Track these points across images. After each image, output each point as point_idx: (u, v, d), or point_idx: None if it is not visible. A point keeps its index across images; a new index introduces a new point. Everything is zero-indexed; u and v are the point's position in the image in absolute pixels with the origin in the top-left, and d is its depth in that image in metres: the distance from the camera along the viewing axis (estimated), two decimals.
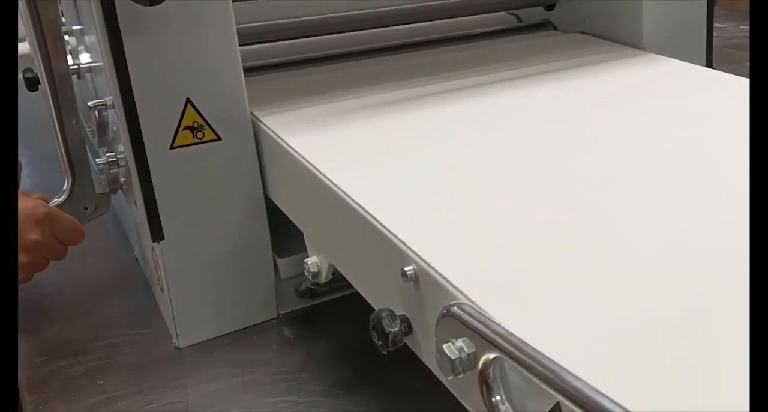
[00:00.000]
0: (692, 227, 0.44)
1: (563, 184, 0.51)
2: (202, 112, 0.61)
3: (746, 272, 0.38)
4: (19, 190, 0.70)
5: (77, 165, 0.68)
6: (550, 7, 0.91)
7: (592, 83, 0.71)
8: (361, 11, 0.78)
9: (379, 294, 0.49)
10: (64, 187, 0.70)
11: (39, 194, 0.70)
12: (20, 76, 0.72)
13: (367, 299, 0.50)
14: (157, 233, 0.62)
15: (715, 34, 1.67)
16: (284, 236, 0.67)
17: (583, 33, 0.87)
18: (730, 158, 0.53)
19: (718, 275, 0.39)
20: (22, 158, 1.16)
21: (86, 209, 0.70)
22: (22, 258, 0.64)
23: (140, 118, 0.58)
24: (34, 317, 0.73)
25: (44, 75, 0.66)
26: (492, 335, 0.34)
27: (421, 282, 0.42)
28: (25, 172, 1.10)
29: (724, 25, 1.63)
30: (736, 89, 0.67)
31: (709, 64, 0.84)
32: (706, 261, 0.41)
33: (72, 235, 0.68)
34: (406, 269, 0.42)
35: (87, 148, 0.70)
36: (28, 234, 0.64)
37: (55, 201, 0.69)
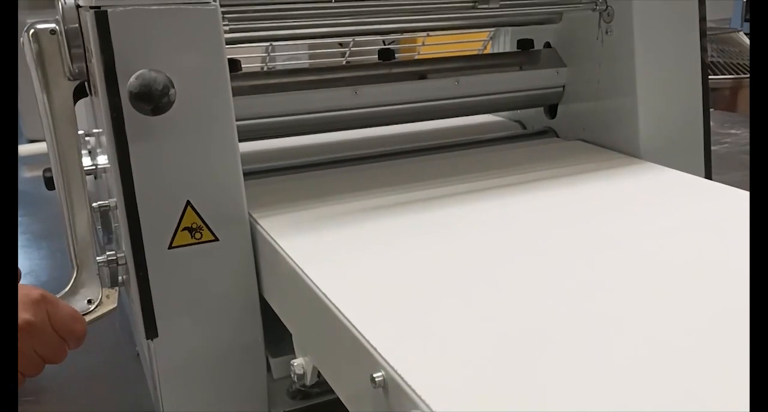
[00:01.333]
0: (675, 340, 0.44)
1: (546, 294, 0.51)
2: (201, 214, 0.63)
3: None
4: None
5: (83, 257, 0.68)
6: (553, 115, 0.94)
7: (585, 192, 0.72)
8: (361, 110, 0.81)
9: (354, 400, 0.49)
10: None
11: None
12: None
13: (345, 404, 0.50)
14: (151, 331, 0.63)
15: (730, 139, 1.69)
16: (278, 335, 0.68)
17: (583, 140, 0.89)
18: (715, 271, 0.53)
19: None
20: (42, 251, 1.21)
21: (90, 302, 0.68)
22: None
23: (141, 219, 0.61)
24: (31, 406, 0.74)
25: (58, 173, 0.69)
26: None
27: (390, 390, 0.42)
28: (40, 265, 1.14)
29: (740, 132, 1.65)
30: (726, 200, 0.68)
31: (708, 173, 0.85)
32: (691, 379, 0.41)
33: (71, 325, 0.62)
34: (375, 375, 0.43)
35: (95, 242, 0.71)
36: (21, 314, 0.58)
37: (60, 293, 0.68)
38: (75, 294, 0.67)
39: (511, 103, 0.92)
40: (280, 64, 1.18)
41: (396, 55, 1.44)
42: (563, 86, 0.91)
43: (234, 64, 0.72)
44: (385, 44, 1.47)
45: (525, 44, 0.91)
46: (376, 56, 1.01)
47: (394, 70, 0.84)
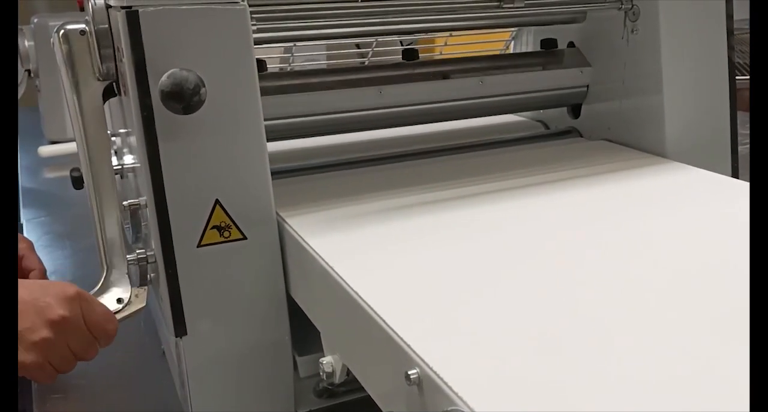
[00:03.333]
0: (689, 343, 0.44)
1: (574, 290, 0.51)
2: (229, 213, 0.64)
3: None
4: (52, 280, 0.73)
5: (112, 257, 0.69)
6: (576, 115, 0.94)
7: (612, 191, 0.72)
8: (385, 110, 0.81)
9: (387, 398, 0.49)
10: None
11: None
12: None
13: (377, 402, 0.50)
14: (180, 328, 0.64)
15: None
16: (304, 334, 0.68)
17: (608, 140, 0.89)
18: (741, 272, 0.53)
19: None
20: (66, 250, 1.22)
21: (119, 301, 0.69)
22: (45, 333, 0.62)
23: (170, 218, 0.61)
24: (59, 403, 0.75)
25: (88, 173, 0.71)
26: None
27: (425, 386, 0.42)
28: (64, 264, 1.15)
29: None
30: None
31: (735, 172, 0.84)
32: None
33: (104, 324, 0.66)
34: (410, 372, 0.43)
35: (124, 243, 0.71)
36: (56, 309, 0.63)
37: (91, 292, 0.69)
38: (105, 293, 0.69)
39: (535, 103, 0.92)
40: (299, 65, 1.19)
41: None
42: (587, 86, 0.90)
43: (260, 64, 0.72)
44: (402, 45, 1.48)
45: (548, 44, 0.91)
46: (398, 57, 1.01)
47: (419, 70, 0.84)
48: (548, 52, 0.91)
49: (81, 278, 1.08)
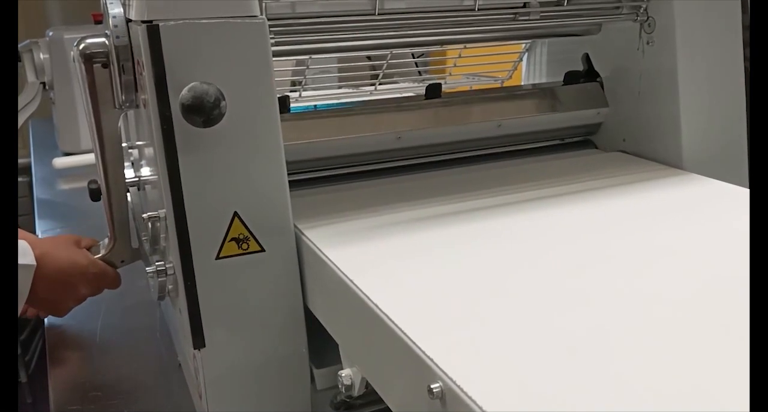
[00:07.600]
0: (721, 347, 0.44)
1: (593, 303, 0.51)
2: (248, 225, 0.64)
3: None
4: (73, 239, 0.86)
5: (120, 231, 0.81)
6: None
7: (628, 203, 0.72)
8: (399, 147, 0.83)
9: (408, 411, 0.49)
10: (107, 244, 0.84)
11: (89, 239, 0.87)
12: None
13: None
14: (198, 340, 0.64)
15: None
16: (322, 346, 0.68)
17: (624, 152, 0.89)
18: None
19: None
20: None
21: (123, 261, 0.85)
22: (72, 304, 0.85)
23: (189, 230, 0.62)
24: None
25: (103, 181, 0.76)
26: None
27: (447, 400, 0.42)
28: None
29: None
30: None
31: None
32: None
33: (112, 285, 0.86)
34: (432, 386, 0.43)
35: (129, 218, 0.81)
36: (81, 290, 0.83)
37: (101, 254, 0.84)
38: (112, 255, 0.84)
39: (546, 138, 0.93)
40: (311, 77, 1.19)
41: (426, 66, 1.44)
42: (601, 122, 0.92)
43: (282, 102, 0.72)
44: (414, 57, 1.48)
45: (572, 78, 0.91)
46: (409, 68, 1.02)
47: (437, 113, 0.85)
48: (569, 89, 0.91)
49: None
